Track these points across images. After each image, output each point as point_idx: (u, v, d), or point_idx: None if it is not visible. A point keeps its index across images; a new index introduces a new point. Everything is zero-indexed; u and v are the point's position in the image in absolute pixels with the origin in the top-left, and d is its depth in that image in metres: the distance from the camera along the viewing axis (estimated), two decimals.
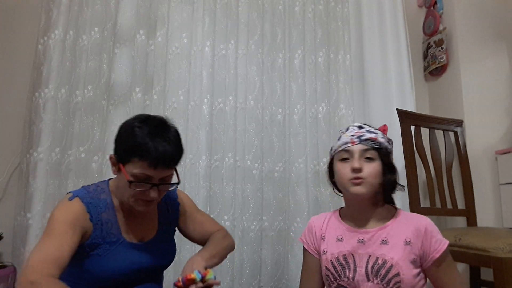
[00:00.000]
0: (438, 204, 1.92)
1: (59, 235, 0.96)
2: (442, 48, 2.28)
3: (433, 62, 2.34)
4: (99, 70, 1.94)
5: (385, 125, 1.19)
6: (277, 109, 2.10)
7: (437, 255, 1.04)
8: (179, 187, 1.80)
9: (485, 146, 2.09)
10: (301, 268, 1.24)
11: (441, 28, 2.32)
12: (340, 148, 1.13)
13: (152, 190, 1.02)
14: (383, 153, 1.10)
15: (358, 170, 1.07)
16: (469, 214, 1.96)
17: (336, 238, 1.16)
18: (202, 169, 1.91)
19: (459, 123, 2.11)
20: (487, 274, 1.80)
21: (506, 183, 1.95)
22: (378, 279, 1.04)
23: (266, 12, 2.17)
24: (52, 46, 1.86)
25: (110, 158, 1.07)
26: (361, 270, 1.07)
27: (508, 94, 2.17)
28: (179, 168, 1.63)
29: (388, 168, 1.11)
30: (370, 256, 1.07)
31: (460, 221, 2.07)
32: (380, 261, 1.05)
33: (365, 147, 1.09)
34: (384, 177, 1.10)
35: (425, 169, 1.94)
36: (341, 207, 1.23)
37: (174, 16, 2.05)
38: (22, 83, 1.95)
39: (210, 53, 2.04)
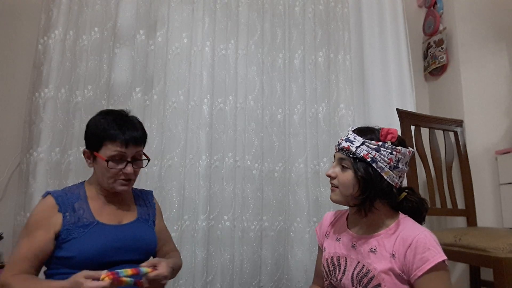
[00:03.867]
0: (438, 204, 1.92)
1: (28, 237, 1.10)
2: (442, 48, 2.28)
3: (433, 62, 2.34)
4: (99, 70, 1.93)
5: (389, 129, 1.08)
6: (277, 109, 2.09)
7: (419, 273, 0.96)
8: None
9: (485, 146, 2.09)
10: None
11: (441, 28, 2.32)
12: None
13: (128, 166, 1.17)
14: (358, 163, 1.04)
15: (329, 177, 1.11)
16: (469, 214, 1.96)
17: (336, 238, 1.18)
18: (202, 169, 1.91)
19: (459, 123, 2.11)
20: (487, 274, 1.80)
21: (506, 183, 1.95)
22: (361, 287, 1.04)
23: (266, 12, 2.17)
24: (52, 46, 1.86)
25: (84, 152, 1.21)
26: (348, 274, 1.09)
27: (508, 94, 2.17)
28: (179, 168, 1.64)
29: (362, 179, 1.03)
30: (358, 262, 1.07)
31: (460, 221, 2.07)
32: (364, 270, 1.05)
33: (342, 155, 1.08)
34: (360, 188, 1.05)
35: (425, 169, 1.94)
36: None
37: (174, 16, 2.05)
38: (22, 83, 1.95)
39: (210, 53, 2.03)
